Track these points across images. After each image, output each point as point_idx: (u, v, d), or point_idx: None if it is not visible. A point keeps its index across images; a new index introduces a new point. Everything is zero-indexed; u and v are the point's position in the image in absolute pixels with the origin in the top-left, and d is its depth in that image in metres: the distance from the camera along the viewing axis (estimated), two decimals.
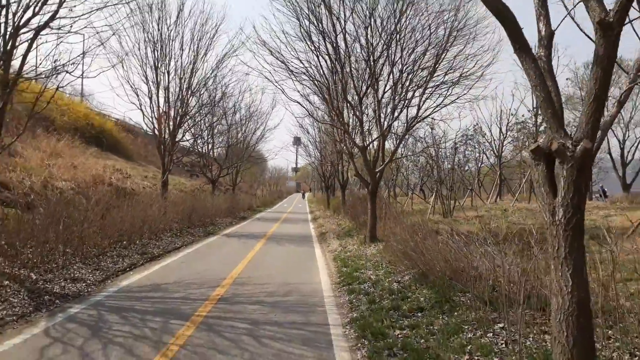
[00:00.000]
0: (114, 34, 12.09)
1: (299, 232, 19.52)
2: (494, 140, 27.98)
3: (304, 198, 76.32)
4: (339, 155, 25.13)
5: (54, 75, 9.77)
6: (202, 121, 23.29)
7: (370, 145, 12.81)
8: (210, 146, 28.32)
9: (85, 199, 15.90)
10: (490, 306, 5.85)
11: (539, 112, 20.90)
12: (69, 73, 9.34)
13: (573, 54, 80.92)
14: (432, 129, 17.23)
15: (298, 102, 12.35)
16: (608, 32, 3.10)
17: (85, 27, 9.35)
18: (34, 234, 9.10)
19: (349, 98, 12.31)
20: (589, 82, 3.32)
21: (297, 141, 50.45)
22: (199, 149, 28.00)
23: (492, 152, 29.74)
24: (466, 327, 5.43)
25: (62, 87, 10.88)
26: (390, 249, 10.40)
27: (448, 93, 11.38)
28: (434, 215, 18.80)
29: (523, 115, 29.99)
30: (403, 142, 14.49)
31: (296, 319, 6.37)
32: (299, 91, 13.14)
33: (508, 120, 26.61)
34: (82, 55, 9.61)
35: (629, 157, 31.49)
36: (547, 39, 3.64)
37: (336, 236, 16.18)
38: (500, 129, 27.59)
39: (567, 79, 25.63)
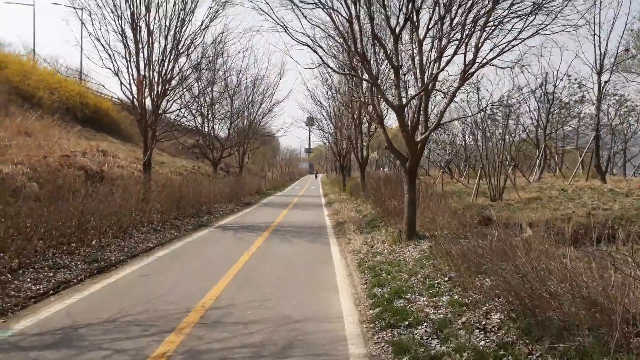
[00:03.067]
0: None
1: (310, 221, 16.09)
2: (538, 108, 24.06)
3: (316, 179, 74.28)
4: (357, 128, 21.45)
5: None
6: (196, 87, 19.74)
7: (407, 106, 9.15)
8: (209, 122, 24.86)
9: (40, 187, 12.75)
10: None
11: (604, 69, 17.02)
12: None
13: None
14: (478, 89, 13.56)
15: (307, 45, 8.61)
16: None
17: None
18: None
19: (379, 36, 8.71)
20: None
21: (310, 121, 47.02)
22: (198, 125, 24.57)
23: (533, 122, 25.93)
24: None
25: None
26: (447, 255, 6.90)
27: (526, 25, 7.67)
28: (478, 198, 15.20)
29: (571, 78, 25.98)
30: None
31: None
32: (308, 35, 9.26)
33: (555, 83, 22.59)
34: None
35: None
36: None
37: (357, 228, 12.70)
38: (546, 96, 23.63)
39: (632, 30, 21.12)
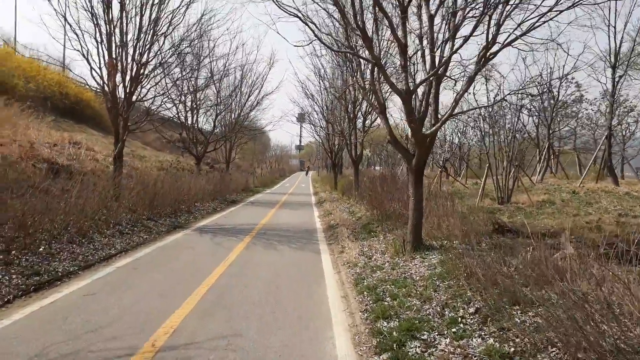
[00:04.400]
0: None
1: (299, 222, 14.66)
2: (541, 105, 22.83)
3: (307, 175, 73.53)
4: (351, 123, 19.99)
5: None
6: (178, 73, 18.14)
7: (415, 92, 7.72)
8: (193, 113, 23.29)
9: None
10: None
11: (620, 54, 15.70)
12: None
13: None
14: (486, 79, 12.23)
15: (297, 17, 7.14)
16: None
17: None
18: None
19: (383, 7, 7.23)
20: None
21: (301, 117, 45.72)
22: (180, 116, 22.99)
23: (534, 120, 24.74)
24: None
25: None
26: (468, 276, 5.51)
27: None
28: (483, 200, 13.87)
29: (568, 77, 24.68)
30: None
31: None
32: (299, 10, 7.74)
33: (562, 79, 21.34)
34: None
35: None
36: None
37: (352, 233, 11.29)
38: (551, 92, 22.41)
39: None
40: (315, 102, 25.63)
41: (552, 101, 23.45)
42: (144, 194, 13.33)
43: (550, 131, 24.02)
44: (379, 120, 22.23)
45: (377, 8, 7.35)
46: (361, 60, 10.49)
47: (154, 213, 13.52)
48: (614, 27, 15.49)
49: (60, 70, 31.12)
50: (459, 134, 30.73)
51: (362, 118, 20.40)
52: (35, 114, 21.46)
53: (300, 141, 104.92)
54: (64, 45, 39.47)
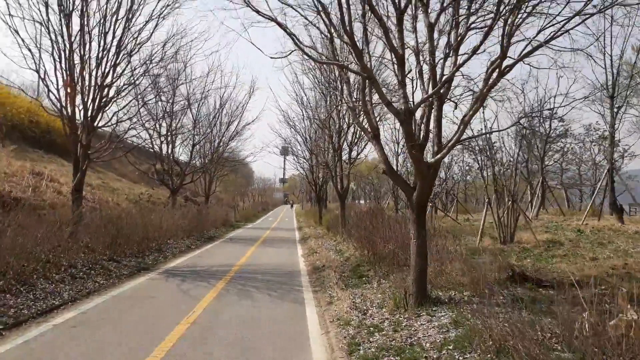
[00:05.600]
0: None
1: (281, 262, 13.21)
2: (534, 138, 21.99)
3: (292, 208, 73.51)
4: (336, 153, 18.77)
5: None
6: (149, 96, 16.85)
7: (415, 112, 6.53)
8: (168, 142, 21.95)
9: None
10: None
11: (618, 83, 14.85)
12: None
13: None
14: (483, 106, 11.18)
15: (274, 20, 5.96)
16: None
17: None
18: None
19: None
20: None
21: (284, 150, 44.77)
22: (155, 146, 21.61)
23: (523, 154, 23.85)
24: None
25: None
26: (496, 343, 4.18)
27: None
28: (483, 241, 12.61)
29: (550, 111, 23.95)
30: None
31: None
32: (278, 21, 6.58)
33: (553, 109, 20.51)
34: None
35: None
36: None
37: (341, 277, 9.88)
38: (541, 123, 21.63)
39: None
40: (298, 132, 24.58)
41: (543, 134, 22.69)
42: (104, 230, 11.82)
43: (544, 165, 23.16)
44: (365, 151, 21.16)
45: (367, 14, 6.25)
46: (350, 76, 9.35)
47: (117, 252, 11.98)
48: (610, 56, 14.81)
49: (32, 98, 29.67)
50: (445, 168, 29.83)
51: (347, 149, 19.28)
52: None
53: (284, 174, 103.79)
54: (38, 70, 38.20)
